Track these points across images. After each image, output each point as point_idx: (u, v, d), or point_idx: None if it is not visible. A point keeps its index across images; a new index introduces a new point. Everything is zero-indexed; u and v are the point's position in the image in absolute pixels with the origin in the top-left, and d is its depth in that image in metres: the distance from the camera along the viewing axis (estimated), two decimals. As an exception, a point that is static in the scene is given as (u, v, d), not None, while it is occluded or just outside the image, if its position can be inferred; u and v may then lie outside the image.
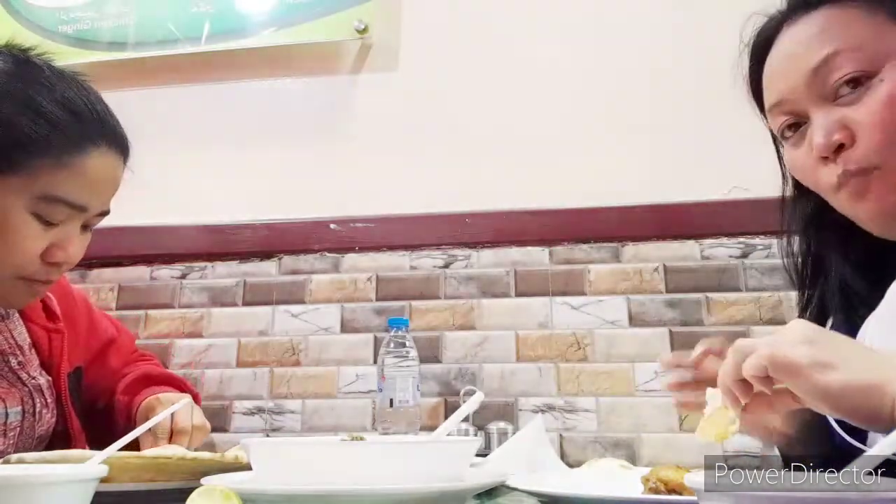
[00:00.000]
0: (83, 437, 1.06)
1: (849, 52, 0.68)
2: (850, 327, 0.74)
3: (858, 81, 0.68)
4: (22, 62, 0.87)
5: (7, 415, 0.92)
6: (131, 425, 1.04)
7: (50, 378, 1.01)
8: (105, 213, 0.93)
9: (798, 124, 0.74)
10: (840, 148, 0.69)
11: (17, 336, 0.99)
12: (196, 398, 1.17)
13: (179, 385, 1.16)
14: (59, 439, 1.02)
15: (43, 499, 0.53)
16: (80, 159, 0.86)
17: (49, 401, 1.00)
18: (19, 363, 0.97)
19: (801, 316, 0.82)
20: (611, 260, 1.45)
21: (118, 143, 0.92)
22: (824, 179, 0.71)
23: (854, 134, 0.68)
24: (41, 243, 0.86)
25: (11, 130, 0.82)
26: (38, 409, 0.97)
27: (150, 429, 0.87)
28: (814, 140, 0.70)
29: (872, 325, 0.70)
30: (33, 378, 0.98)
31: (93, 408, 1.13)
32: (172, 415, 0.96)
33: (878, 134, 0.66)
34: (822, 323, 0.79)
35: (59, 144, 0.84)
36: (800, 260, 0.83)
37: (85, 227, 0.92)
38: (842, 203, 0.72)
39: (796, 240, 0.84)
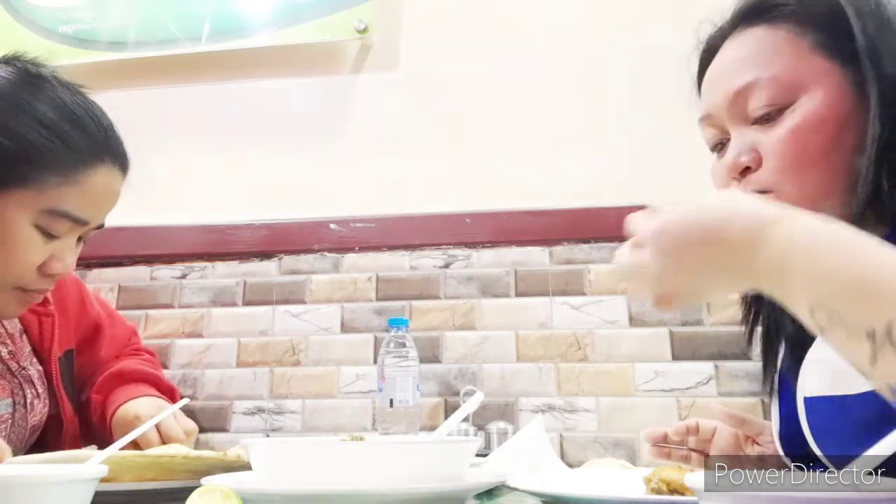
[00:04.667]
0: (76, 422, 1.06)
1: (767, 82, 0.70)
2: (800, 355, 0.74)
3: (773, 111, 0.70)
4: (33, 76, 0.88)
5: None
6: (106, 426, 1.05)
7: (41, 368, 1.01)
8: (101, 226, 0.94)
9: (723, 143, 0.77)
10: (747, 170, 0.72)
11: (8, 324, 1.00)
12: (173, 395, 1.16)
13: (154, 382, 1.14)
14: (51, 425, 1.02)
15: (43, 499, 0.53)
16: (87, 175, 0.87)
17: (41, 390, 1.00)
18: (9, 353, 0.97)
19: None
20: (611, 260, 1.45)
21: (121, 159, 0.93)
22: None
23: (761, 158, 0.71)
24: (41, 256, 0.87)
25: (23, 145, 0.83)
26: (29, 400, 0.97)
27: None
28: (725, 159, 0.74)
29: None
30: (23, 369, 0.98)
31: (78, 396, 1.13)
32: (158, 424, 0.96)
33: (778, 161, 0.69)
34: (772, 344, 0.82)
35: (68, 160, 0.85)
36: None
37: (79, 238, 0.93)
38: None
39: None
